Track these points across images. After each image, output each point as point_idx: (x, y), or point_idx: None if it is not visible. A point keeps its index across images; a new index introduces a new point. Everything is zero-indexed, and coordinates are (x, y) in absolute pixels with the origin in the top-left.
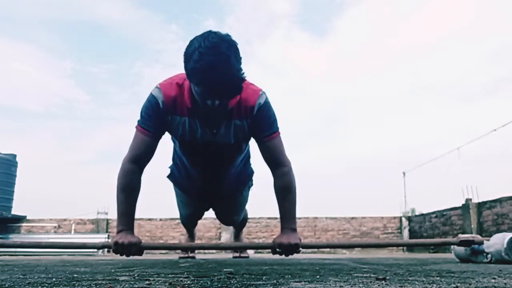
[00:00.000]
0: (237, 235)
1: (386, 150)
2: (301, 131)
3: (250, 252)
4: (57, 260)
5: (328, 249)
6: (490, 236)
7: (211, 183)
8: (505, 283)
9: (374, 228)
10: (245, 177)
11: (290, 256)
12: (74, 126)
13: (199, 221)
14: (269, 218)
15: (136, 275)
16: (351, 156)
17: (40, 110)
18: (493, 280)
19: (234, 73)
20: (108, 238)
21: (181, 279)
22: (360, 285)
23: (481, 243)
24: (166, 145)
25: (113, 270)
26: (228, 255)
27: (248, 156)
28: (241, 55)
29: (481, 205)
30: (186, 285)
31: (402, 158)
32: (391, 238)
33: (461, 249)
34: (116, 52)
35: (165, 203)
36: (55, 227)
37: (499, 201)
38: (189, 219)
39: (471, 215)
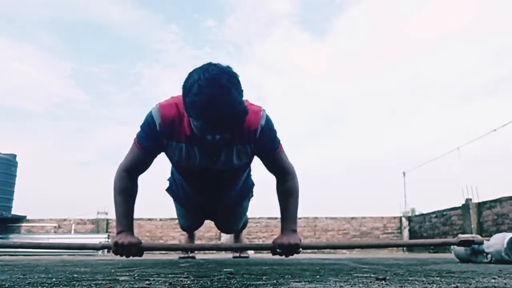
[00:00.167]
0: (237, 236)
1: (386, 150)
2: (301, 131)
3: (250, 252)
4: (57, 260)
5: (328, 249)
6: (490, 236)
7: (210, 201)
8: (505, 283)
9: (374, 228)
10: (246, 192)
11: (290, 256)
12: (74, 126)
13: None
14: (269, 218)
15: (136, 275)
16: (351, 156)
17: (40, 110)
18: (493, 280)
19: (235, 106)
20: (108, 238)
21: (181, 279)
22: (360, 285)
23: (481, 243)
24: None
25: (113, 270)
26: (228, 255)
27: (249, 171)
28: (242, 88)
29: (481, 205)
30: (186, 285)
31: (402, 158)
32: (391, 238)
33: (461, 249)
34: (116, 52)
35: (165, 203)
36: (55, 227)
37: (499, 201)
38: (189, 229)
39: (471, 215)
